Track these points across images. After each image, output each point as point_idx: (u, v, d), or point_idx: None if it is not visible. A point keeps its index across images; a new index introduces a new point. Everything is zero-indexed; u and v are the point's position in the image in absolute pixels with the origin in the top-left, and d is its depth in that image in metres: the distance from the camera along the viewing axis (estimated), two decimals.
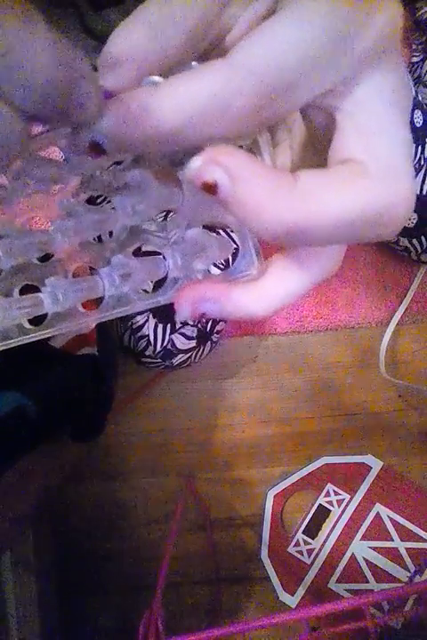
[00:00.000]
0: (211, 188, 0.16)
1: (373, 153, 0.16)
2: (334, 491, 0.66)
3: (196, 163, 0.16)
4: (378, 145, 0.16)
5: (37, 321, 0.20)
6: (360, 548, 0.64)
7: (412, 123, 0.52)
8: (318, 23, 0.15)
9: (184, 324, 0.59)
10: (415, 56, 0.65)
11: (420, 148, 0.53)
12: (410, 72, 0.62)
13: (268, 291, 0.18)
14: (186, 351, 0.59)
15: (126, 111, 0.15)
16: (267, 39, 0.15)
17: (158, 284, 0.21)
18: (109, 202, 0.21)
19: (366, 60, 0.16)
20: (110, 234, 0.22)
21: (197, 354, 0.61)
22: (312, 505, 0.66)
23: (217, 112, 0.15)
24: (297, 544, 0.65)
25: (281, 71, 0.15)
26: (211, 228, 0.22)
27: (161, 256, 0.22)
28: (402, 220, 0.16)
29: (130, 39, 0.16)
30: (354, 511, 0.65)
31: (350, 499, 0.66)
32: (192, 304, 0.18)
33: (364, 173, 0.16)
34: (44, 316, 0.20)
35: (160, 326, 0.58)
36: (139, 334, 0.58)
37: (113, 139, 0.16)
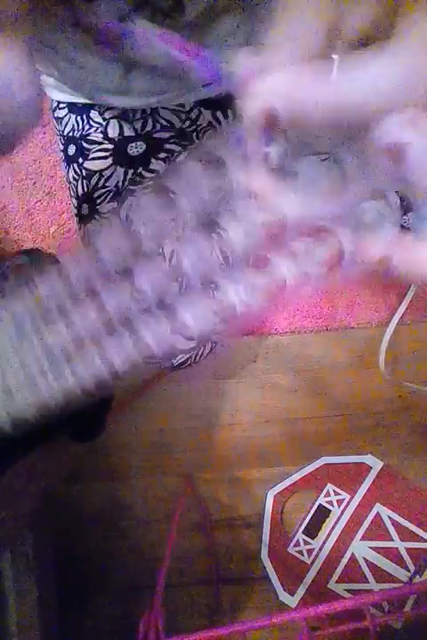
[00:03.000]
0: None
1: None
2: (334, 491, 0.66)
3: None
4: None
5: None
6: (360, 548, 0.64)
7: None
8: None
9: None
10: None
11: None
12: None
13: None
14: (186, 351, 0.59)
15: (310, 77, 0.16)
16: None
17: None
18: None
19: None
20: None
21: (197, 354, 0.61)
22: (312, 505, 0.66)
23: (404, 92, 0.17)
24: (297, 544, 0.65)
25: None
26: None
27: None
28: None
29: (293, 24, 0.17)
30: (354, 511, 0.65)
31: (350, 499, 0.66)
32: None
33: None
34: None
35: None
36: None
37: (294, 103, 0.16)
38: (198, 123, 0.53)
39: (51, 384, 0.22)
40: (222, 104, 0.53)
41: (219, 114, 0.53)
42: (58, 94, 0.54)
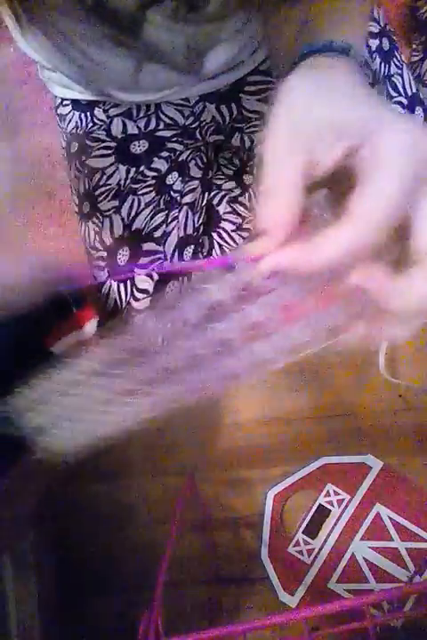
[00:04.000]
0: None
1: None
2: (334, 491, 0.66)
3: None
4: None
5: None
6: (360, 548, 0.64)
7: None
8: None
9: None
10: (415, 55, 0.65)
11: None
12: (410, 71, 0.62)
13: None
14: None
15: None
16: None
17: None
18: None
19: None
20: None
21: None
22: (312, 505, 0.66)
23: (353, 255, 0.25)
24: (297, 544, 0.65)
25: None
26: None
27: None
28: None
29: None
30: (354, 511, 0.65)
31: (350, 499, 0.66)
32: None
33: None
34: None
35: None
36: None
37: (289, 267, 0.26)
38: (202, 119, 0.53)
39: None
40: (227, 97, 0.53)
41: (223, 108, 0.53)
42: (62, 91, 0.54)
